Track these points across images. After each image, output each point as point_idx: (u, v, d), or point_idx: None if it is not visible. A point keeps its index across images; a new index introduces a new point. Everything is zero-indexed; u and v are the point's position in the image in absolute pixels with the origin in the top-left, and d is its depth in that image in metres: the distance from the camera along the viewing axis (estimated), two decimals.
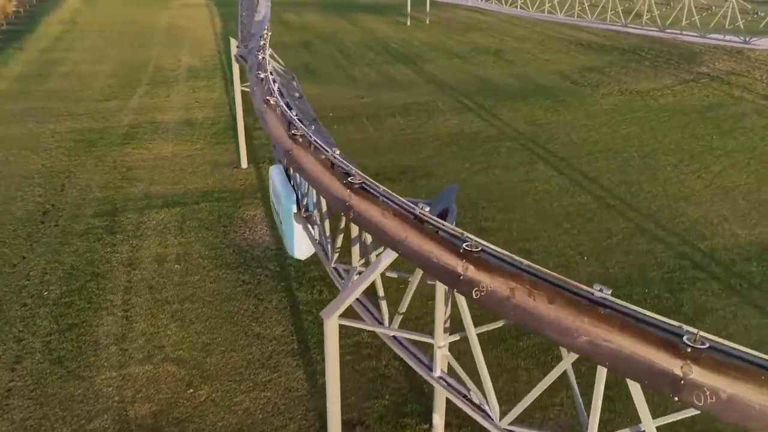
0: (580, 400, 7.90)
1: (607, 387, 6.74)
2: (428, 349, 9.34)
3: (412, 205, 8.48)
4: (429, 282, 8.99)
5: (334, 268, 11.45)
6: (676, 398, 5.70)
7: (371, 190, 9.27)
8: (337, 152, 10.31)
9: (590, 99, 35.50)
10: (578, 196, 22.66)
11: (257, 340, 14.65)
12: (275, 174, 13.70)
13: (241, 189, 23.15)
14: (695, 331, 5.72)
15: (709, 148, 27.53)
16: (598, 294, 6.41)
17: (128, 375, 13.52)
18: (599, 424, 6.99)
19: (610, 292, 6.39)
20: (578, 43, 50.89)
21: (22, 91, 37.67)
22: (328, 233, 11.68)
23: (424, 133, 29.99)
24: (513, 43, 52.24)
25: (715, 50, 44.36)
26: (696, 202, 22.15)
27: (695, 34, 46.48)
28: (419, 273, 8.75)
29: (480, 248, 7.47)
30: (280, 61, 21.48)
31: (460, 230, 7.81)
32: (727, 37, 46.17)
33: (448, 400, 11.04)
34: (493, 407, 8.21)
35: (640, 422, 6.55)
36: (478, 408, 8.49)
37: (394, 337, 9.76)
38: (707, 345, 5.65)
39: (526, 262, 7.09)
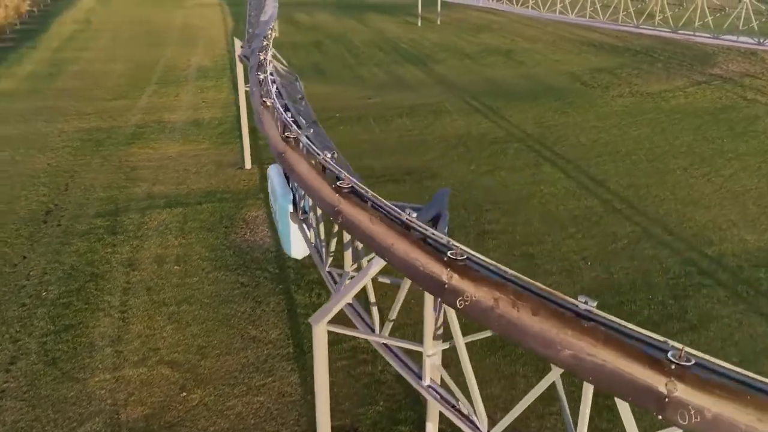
0: (569, 413, 7.65)
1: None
2: (419, 357, 9.15)
3: (400, 211, 8.29)
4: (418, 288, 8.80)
5: (329, 272, 11.28)
6: (660, 416, 5.50)
7: (360, 195, 9.09)
8: (329, 155, 10.14)
9: (600, 101, 35.11)
10: (584, 200, 22.34)
11: (253, 344, 14.53)
12: (274, 173, 13.57)
13: (244, 190, 23.07)
14: (680, 346, 5.51)
15: (720, 151, 27.09)
16: (583, 306, 6.20)
17: (122, 377, 13.45)
18: None
19: (595, 304, 6.19)
20: (590, 44, 50.48)
21: (33, 89, 37.91)
22: (323, 236, 11.53)
23: (431, 134, 29.78)
24: (524, 43, 51.91)
25: (729, 52, 43.81)
26: (705, 206, 21.76)
27: (708, 36, 45.79)
28: (407, 280, 8.56)
29: (465, 256, 7.28)
30: (284, 61, 21.39)
31: (447, 238, 7.62)
32: (741, 39, 45.40)
33: None
34: (482, 417, 8.01)
35: None
36: (467, 418, 8.30)
37: (384, 344, 9.58)
38: (693, 362, 5.44)
39: (511, 271, 6.89)
